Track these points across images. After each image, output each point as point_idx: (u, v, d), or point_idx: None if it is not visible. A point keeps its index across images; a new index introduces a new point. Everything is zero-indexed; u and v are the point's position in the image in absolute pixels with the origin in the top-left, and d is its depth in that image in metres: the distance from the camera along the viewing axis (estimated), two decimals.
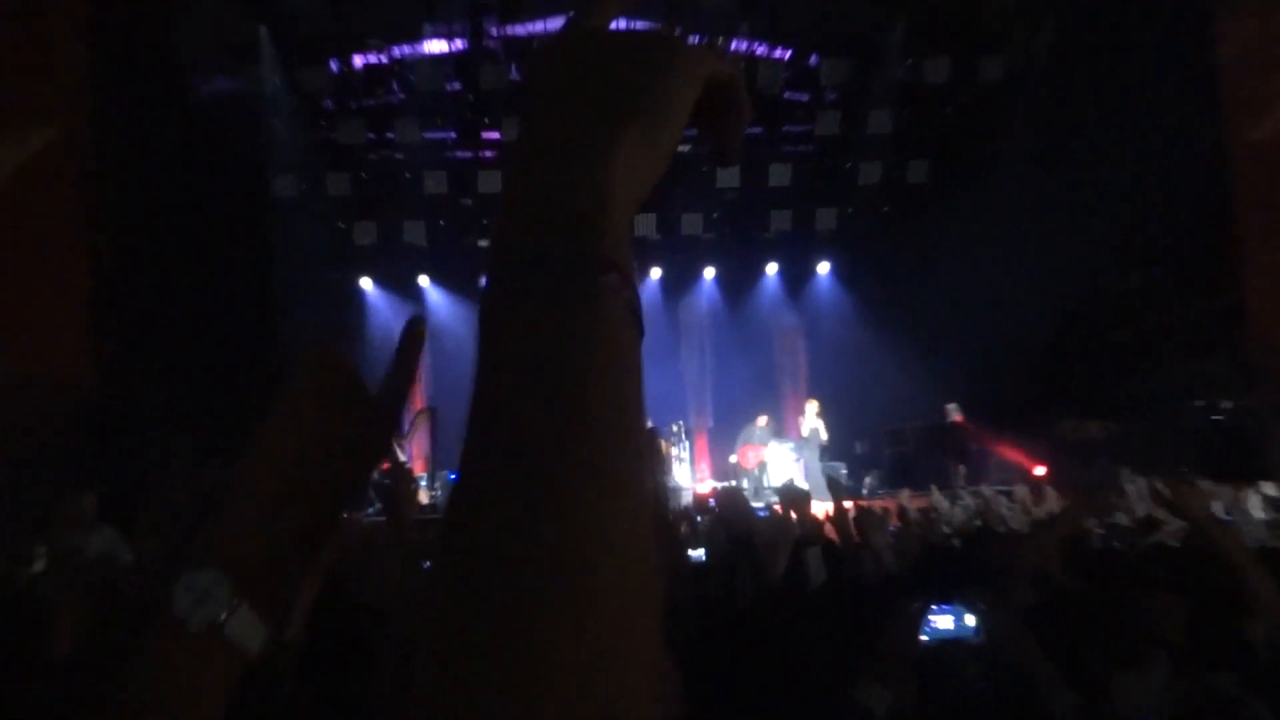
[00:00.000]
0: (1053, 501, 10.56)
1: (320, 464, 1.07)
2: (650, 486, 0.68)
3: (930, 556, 5.45)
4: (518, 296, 0.71)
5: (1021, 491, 11.81)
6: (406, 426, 17.32)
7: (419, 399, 18.58)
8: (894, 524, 9.52)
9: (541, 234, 0.72)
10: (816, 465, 16.36)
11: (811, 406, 17.04)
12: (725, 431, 18.51)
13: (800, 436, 17.27)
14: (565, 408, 0.65)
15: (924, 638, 3.49)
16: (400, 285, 19.35)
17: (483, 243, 18.17)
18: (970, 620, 3.72)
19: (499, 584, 0.59)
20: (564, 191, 0.74)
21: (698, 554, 5.89)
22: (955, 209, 16.82)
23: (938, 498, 11.99)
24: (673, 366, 19.43)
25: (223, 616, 0.98)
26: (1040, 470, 15.30)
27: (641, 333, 0.75)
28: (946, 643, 3.65)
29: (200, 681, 0.96)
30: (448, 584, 0.60)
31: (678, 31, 0.91)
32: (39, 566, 6.96)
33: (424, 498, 16.24)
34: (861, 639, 3.04)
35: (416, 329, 1.19)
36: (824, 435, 16.76)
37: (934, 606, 3.80)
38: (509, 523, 0.61)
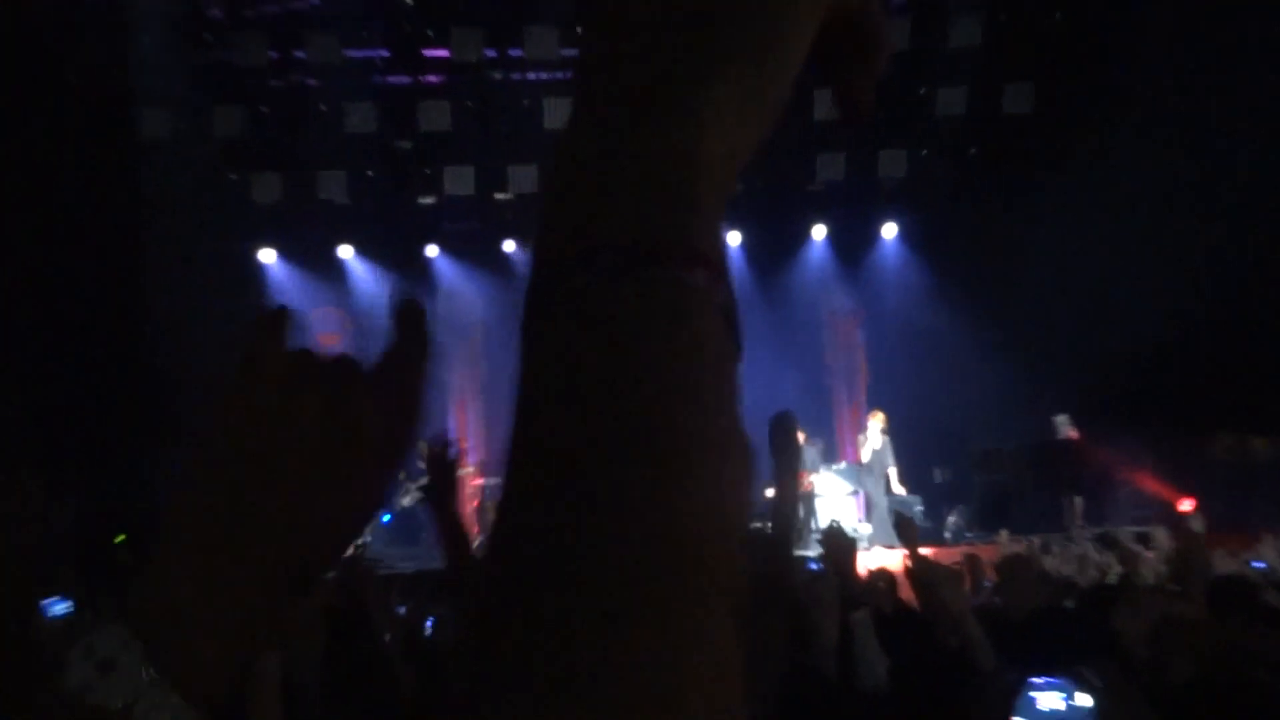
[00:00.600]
0: (1201, 546, 9.94)
1: (310, 475, 1.02)
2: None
3: (1036, 621, 5.41)
4: (570, 301, 0.69)
5: (1161, 533, 11.80)
6: None
7: None
8: (988, 579, 9.63)
9: (604, 217, 0.71)
10: (882, 500, 16.30)
11: (875, 421, 16.99)
12: (760, 448, 17.98)
13: (859, 461, 17.25)
14: (637, 464, 0.64)
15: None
16: (314, 257, 19.32)
17: (428, 199, 18.36)
18: (1084, 700, 3.63)
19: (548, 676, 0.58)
20: (635, 159, 0.73)
21: None
22: (1067, 151, 16.84)
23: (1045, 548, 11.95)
24: None
25: (128, 700, 0.91)
26: (1187, 504, 15.12)
27: (739, 348, 0.72)
28: None
29: None
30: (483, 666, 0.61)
31: None
32: None
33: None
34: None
35: (414, 308, 1.14)
36: (891, 460, 16.67)
37: (1036, 681, 3.72)
38: (565, 617, 0.60)
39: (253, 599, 1.00)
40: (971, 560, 10.24)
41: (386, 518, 17.55)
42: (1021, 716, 3.58)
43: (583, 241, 0.70)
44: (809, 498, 16.63)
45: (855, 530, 15.20)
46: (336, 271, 19.53)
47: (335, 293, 19.47)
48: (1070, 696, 3.64)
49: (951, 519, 16.91)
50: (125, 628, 0.94)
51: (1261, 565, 10.31)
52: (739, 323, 0.72)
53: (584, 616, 0.59)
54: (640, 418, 0.65)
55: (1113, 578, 9.67)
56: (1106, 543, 12.53)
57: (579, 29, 0.91)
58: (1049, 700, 3.61)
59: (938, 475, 18.25)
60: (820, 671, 4.31)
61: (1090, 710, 3.56)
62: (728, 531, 0.64)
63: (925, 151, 18.44)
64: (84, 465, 14.46)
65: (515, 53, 17.05)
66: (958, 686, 3.85)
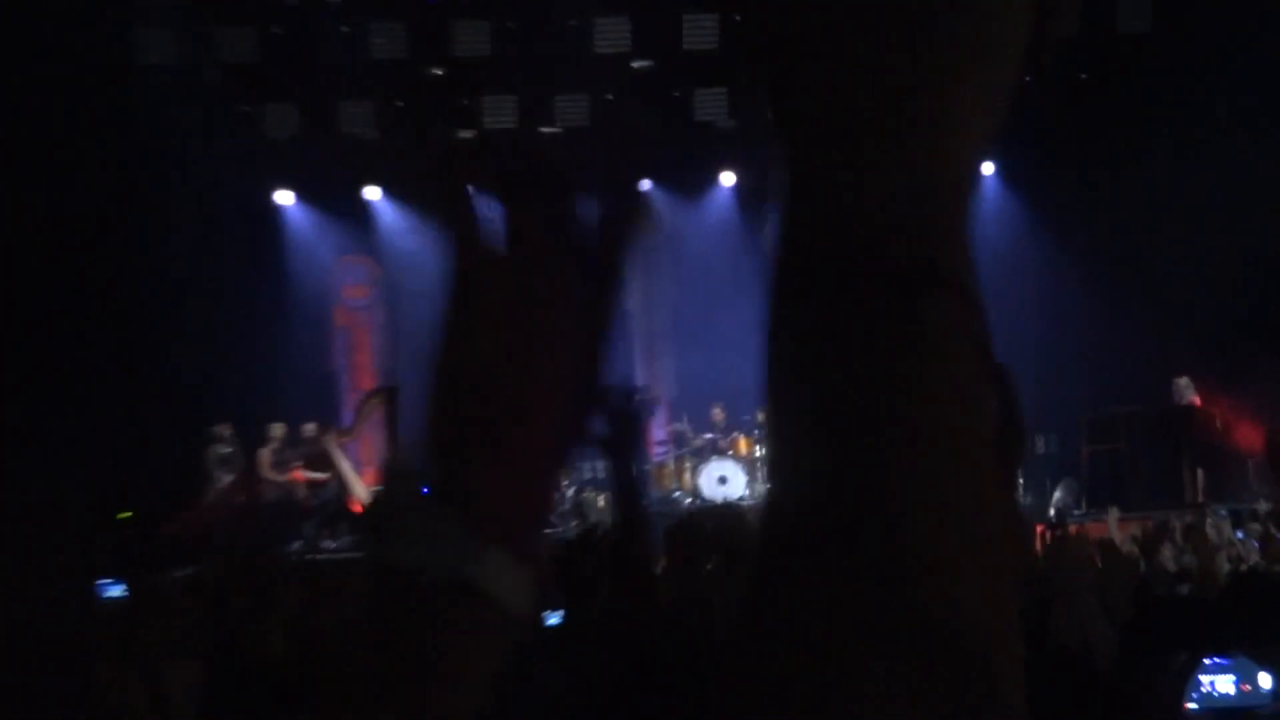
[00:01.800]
0: None
1: (541, 339, 1.06)
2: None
3: (1173, 609, 5.41)
4: (808, 326, 0.77)
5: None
6: (350, 417, 17.57)
7: (369, 376, 19.03)
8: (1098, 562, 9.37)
9: (856, 240, 0.76)
10: None
11: None
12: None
13: None
14: (892, 515, 0.71)
15: (1192, 706, 3.57)
16: (336, 199, 19.14)
17: (465, 133, 17.90)
18: (1267, 681, 3.66)
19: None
20: (883, 177, 0.77)
21: None
22: (1189, 73, 16.65)
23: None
24: (754, 323, 18.95)
25: (467, 565, 1.00)
26: None
27: (1000, 378, 0.84)
28: (1230, 714, 3.59)
29: (456, 645, 0.98)
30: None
31: None
32: None
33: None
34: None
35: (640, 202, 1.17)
36: None
37: (1208, 663, 3.71)
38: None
39: (532, 456, 1.04)
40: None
41: (425, 489, 17.51)
42: (1194, 703, 3.59)
43: (824, 260, 0.77)
44: None
45: None
46: (362, 215, 19.42)
47: (361, 239, 19.55)
48: (1248, 677, 3.69)
49: (1057, 494, 16.79)
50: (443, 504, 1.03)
51: None
52: (990, 346, 0.78)
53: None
54: (885, 466, 0.72)
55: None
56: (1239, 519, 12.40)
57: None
58: (1223, 684, 3.65)
59: (1040, 445, 18.14)
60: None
61: (1272, 692, 3.60)
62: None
63: (1028, 78, 17.95)
64: (81, 448, 14.08)
65: None
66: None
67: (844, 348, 0.74)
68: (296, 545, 15.59)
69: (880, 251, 0.74)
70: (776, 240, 0.80)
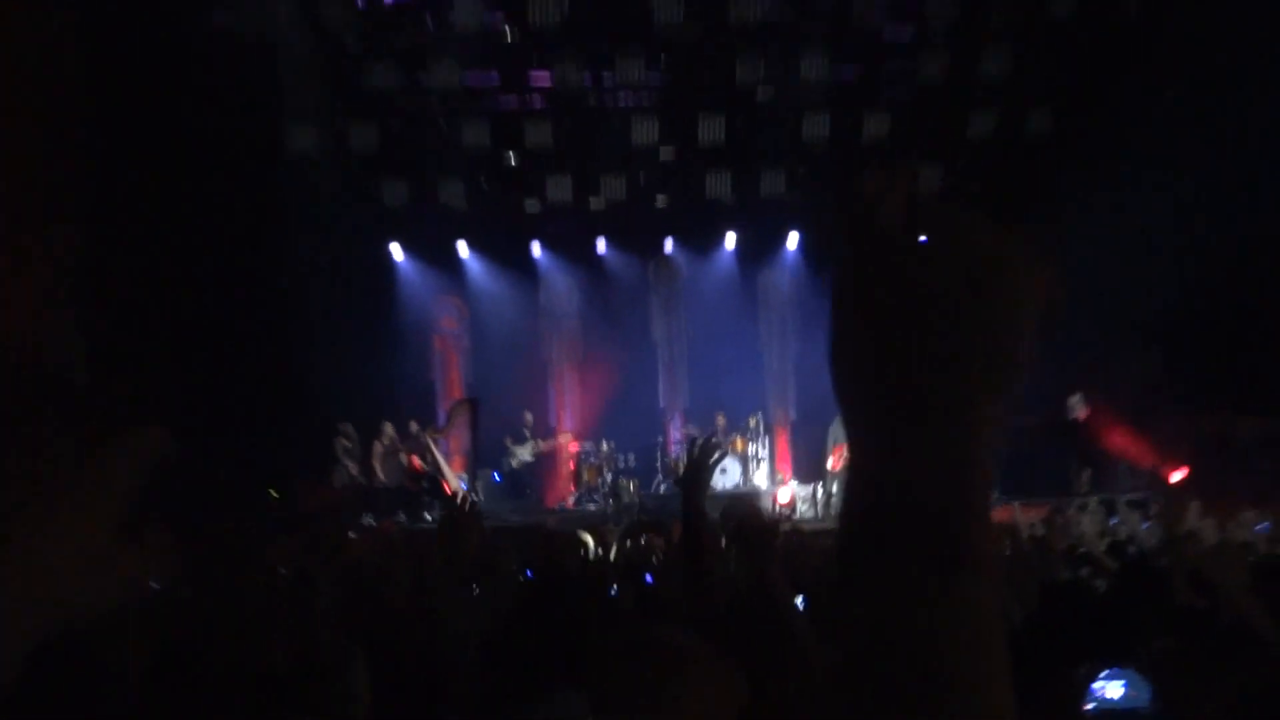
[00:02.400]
0: (1195, 515, 10.31)
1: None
2: None
3: (1069, 600, 5.16)
4: (875, 595, 0.83)
5: (1161, 503, 11.96)
6: (443, 419, 17.79)
7: (458, 388, 18.99)
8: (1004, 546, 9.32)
9: (893, 519, 0.83)
10: None
11: None
12: (811, 427, 18.07)
13: None
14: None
15: (1089, 708, 3.45)
16: (435, 252, 19.18)
17: (532, 204, 18.15)
18: (1142, 689, 3.54)
19: None
20: (929, 471, 0.82)
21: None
22: (1083, 169, 16.63)
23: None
24: (750, 349, 19.13)
25: None
26: (1178, 474, 15.28)
27: (1005, 613, 1.12)
28: (1117, 715, 3.52)
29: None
30: None
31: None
32: None
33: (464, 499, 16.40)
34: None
35: None
36: None
37: (1104, 673, 3.57)
38: None
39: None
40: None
41: (497, 478, 17.56)
42: (1092, 703, 3.48)
43: (892, 548, 0.82)
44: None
45: None
46: (454, 265, 19.43)
47: (453, 283, 19.51)
48: (1133, 685, 3.55)
49: None
50: None
51: (1264, 528, 10.20)
52: (1002, 597, 0.92)
53: None
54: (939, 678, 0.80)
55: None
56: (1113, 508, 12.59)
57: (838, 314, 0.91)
58: (1113, 690, 3.51)
59: None
60: None
61: (1151, 696, 3.48)
62: None
63: (959, 165, 18.05)
64: (235, 433, 14.38)
65: (608, 79, 16.88)
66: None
67: (902, 617, 0.80)
68: (401, 518, 15.73)
69: (923, 535, 0.79)
70: (844, 508, 0.85)
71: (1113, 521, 11.42)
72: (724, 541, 5.77)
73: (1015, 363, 0.83)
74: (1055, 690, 3.21)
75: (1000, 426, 0.83)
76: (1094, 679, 3.48)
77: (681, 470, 4.51)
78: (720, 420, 17.48)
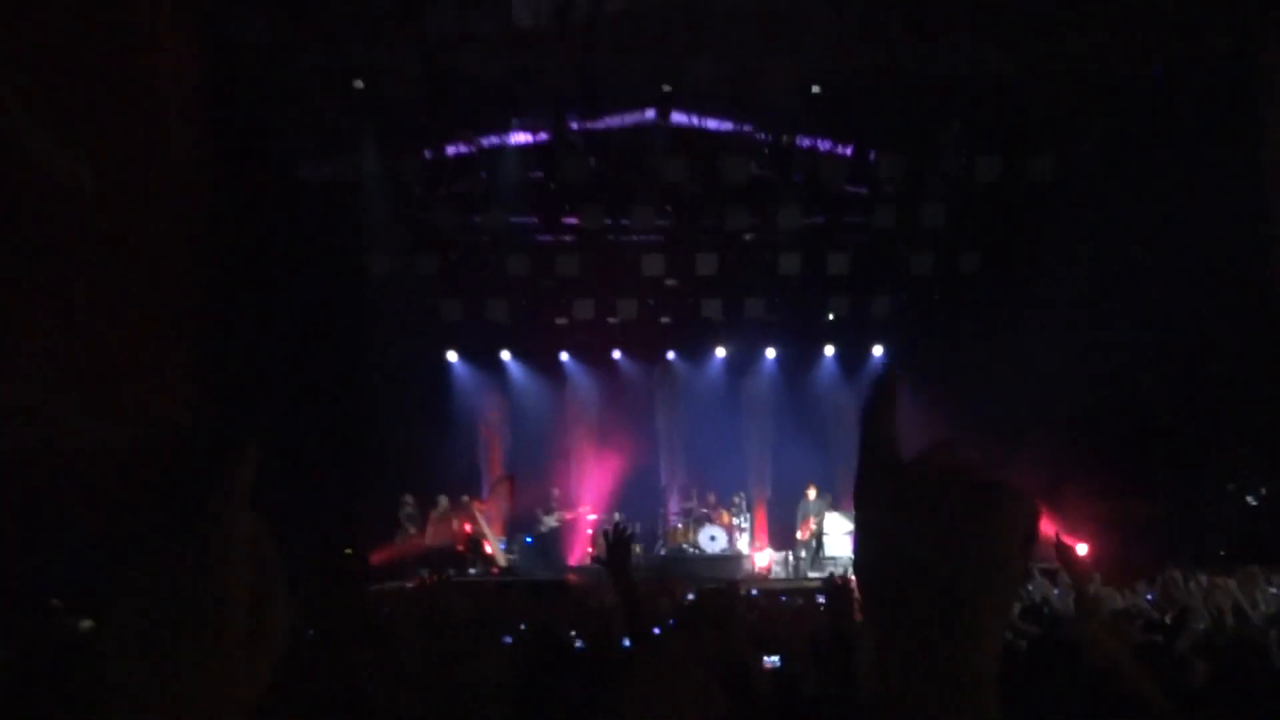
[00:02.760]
0: (1097, 585, 9.81)
1: None
2: None
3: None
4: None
5: (1064, 573, 11.38)
6: (486, 493, 17.68)
7: (499, 466, 18.82)
8: None
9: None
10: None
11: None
12: (784, 504, 18.11)
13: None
14: None
15: None
16: (483, 359, 19.23)
17: (561, 320, 18.24)
18: None
19: None
20: (940, 675, 0.78)
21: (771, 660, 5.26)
22: (1005, 298, 16.68)
23: None
24: (735, 441, 19.18)
25: None
26: (1082, 548, 14.59)
27: None
28: None
29: None
30: None
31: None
32: None
33: (503, 561, 16.40)
34: None
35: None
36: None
37: None
38: None
39: None
40: None
41: (529, 541, 17.30)
42: None
43: None
44: (816, 536, 16.45)
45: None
46: (499, 368, 19.40)
47: (497, 383, 19.43)
48: None
49: None
50: None
51: (1150, 597, 9.77)
52: None
53: None
54: None
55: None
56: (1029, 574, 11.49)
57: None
58: None
59: None
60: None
61: None
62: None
63: (904, 297, 18.45)
64: (321, 494, 14.54)
65: (625, 223, 16.98)
66: None
67: None
68: (451, 572, 15.42)
69: None
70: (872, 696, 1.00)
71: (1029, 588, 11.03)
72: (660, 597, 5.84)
73: (1008, 582, 0.79)
74: None
75: (998, 636, 0.80)
76: None
77: (606, 553, 4.03)
78: (710, 498, 17.45)
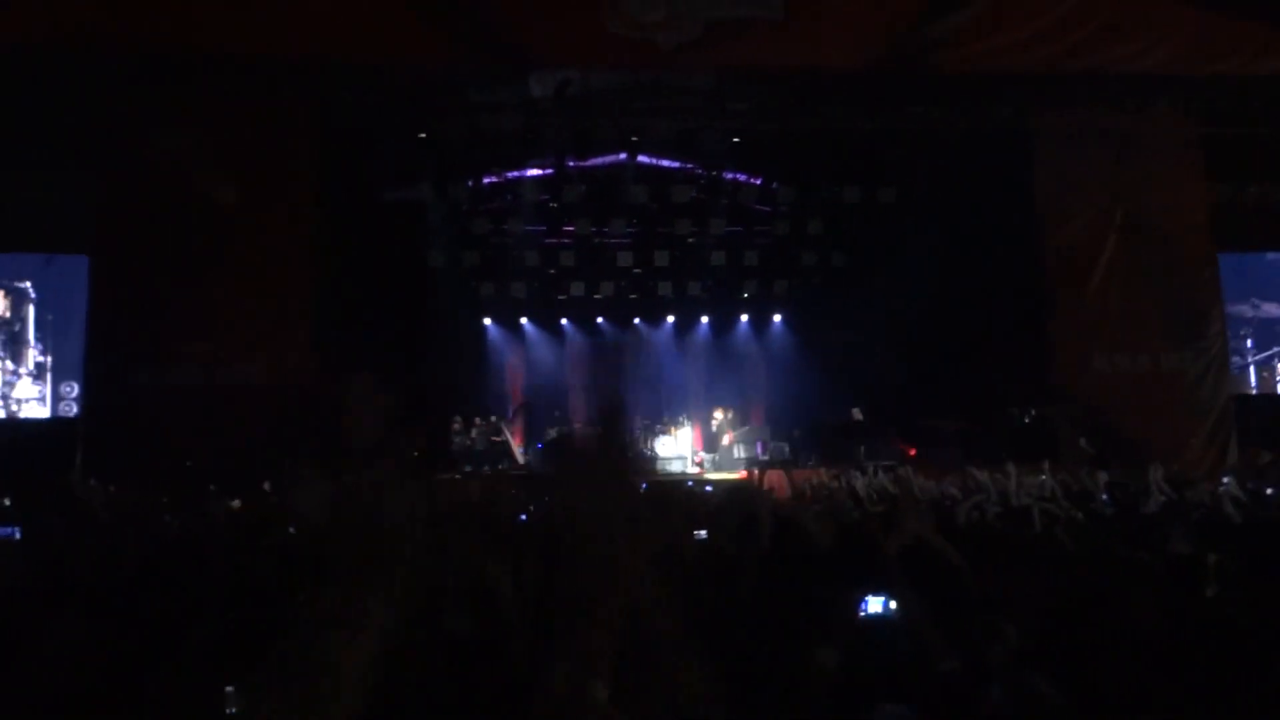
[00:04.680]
0: (919, 477, 9.67)
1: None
2: None
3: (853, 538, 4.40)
4: None
5: (904, 470, 11.29)
6: (510, 414, 17.52)
7: (518, 396, 18.63)
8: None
9: None
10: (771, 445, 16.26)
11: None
12: (709, 422, 18.13)
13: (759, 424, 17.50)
14: None
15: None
16: (508, 324, 19.03)
17: (562, 297, 18.09)
18: (893, 605, 2.94)
19: None
20: None
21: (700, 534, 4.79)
22: (865, 283, 16.82)
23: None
24: (680, 380, 19.17)
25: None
26: (912, 452, 14.76)
27: None
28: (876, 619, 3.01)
29: None
30: None
31: None
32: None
33: (521, 460, 16.33)
34: (811, 608, 2.51)
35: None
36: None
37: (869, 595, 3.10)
38: None
39: None
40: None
41: (540, 446, 16.97)
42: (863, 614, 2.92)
43: None
44: (734, 443, 16.54)
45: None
46: (519, 331, 19.15)
47: (518, 341, 19.12)
48: (886, 603, 3.00)
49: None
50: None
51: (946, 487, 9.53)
52: None
53: None
54: None
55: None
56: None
57: None
58: (875, 605, 2.97)
59: (795, 434, 17.14)
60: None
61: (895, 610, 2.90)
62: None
63: (797, 281, 18.36)
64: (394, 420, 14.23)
65: (606, 230, 16.64)
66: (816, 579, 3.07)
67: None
68: (486, 468, 15.39)
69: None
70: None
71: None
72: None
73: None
74: (841, 603, 2.64)
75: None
76: (864, 598, 2.93)
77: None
78: (665, 418, 17.43)
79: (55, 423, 18.38)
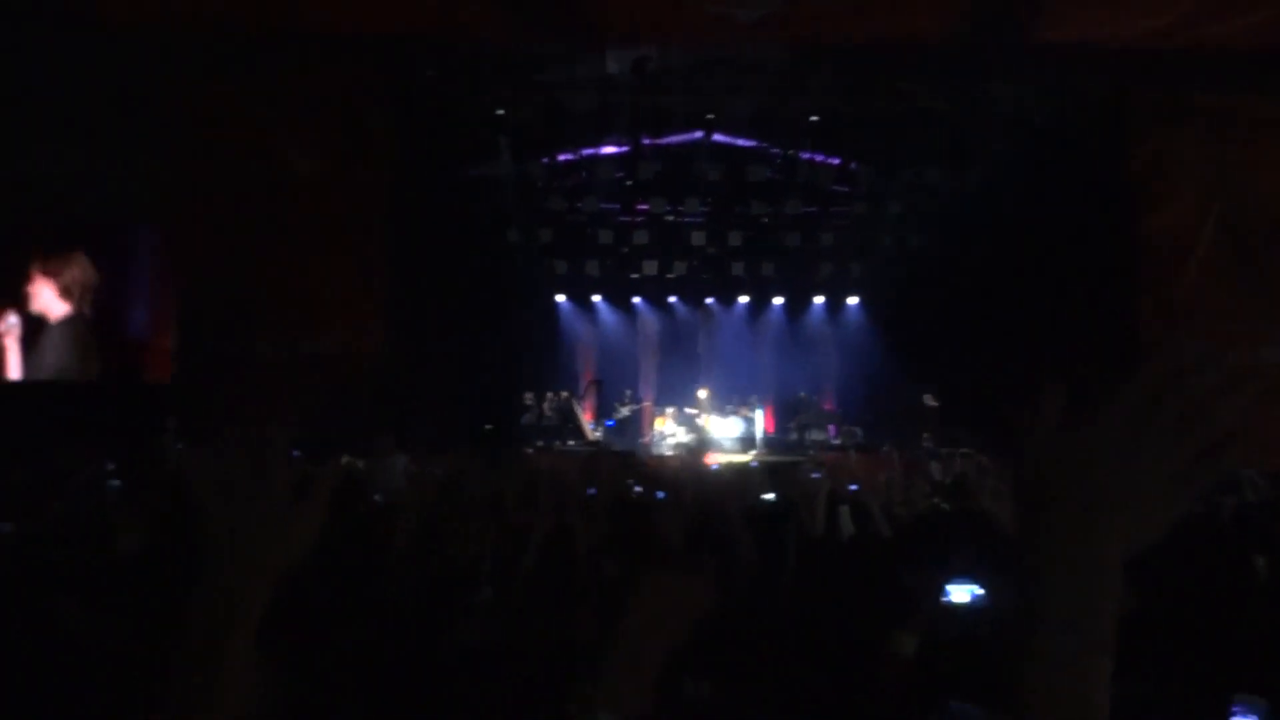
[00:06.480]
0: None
1: None
2: None
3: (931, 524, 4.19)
4: None
5: (981, 458, 10.67)
6: (581, 390, 17.58)
7: (590, 374, 18.69)
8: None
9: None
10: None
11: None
12: (783, 404, 18.07)
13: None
14: None
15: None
16: (582, 302, 19.09)
17: (634, 275, 17.94)
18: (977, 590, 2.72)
19: None
20: (1070, 616, 0.67)
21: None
22: (945, 266, 16.52)
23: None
24: (752, 363, 18.86)
25: None
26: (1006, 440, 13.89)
27: None
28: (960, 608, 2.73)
29: None
30: None
31: None
32: None
33: (591, 437, 16.41)
34: (889, 593, 2.43)
35: None
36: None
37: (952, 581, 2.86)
38: None
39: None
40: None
41: (611, 424, 17.05)
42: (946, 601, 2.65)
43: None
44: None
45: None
46: (591, 308, 19.18)
47: (590, 318, 19.20)
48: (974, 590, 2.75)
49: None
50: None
51: None
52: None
53: None
54: None
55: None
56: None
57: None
58: (959, 594, 2.70)
59: (868, 420, 17.13)
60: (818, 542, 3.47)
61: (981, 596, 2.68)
62: None
63: (871, 264, 18.02)
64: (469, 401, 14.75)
65: (679, 209, 16.54)
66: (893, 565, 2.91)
67: None
68: (556, 442, 15.46)
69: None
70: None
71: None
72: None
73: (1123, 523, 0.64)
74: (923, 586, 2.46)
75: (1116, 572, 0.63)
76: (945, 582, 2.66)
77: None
78: (735, 399, 16.98)
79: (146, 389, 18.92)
